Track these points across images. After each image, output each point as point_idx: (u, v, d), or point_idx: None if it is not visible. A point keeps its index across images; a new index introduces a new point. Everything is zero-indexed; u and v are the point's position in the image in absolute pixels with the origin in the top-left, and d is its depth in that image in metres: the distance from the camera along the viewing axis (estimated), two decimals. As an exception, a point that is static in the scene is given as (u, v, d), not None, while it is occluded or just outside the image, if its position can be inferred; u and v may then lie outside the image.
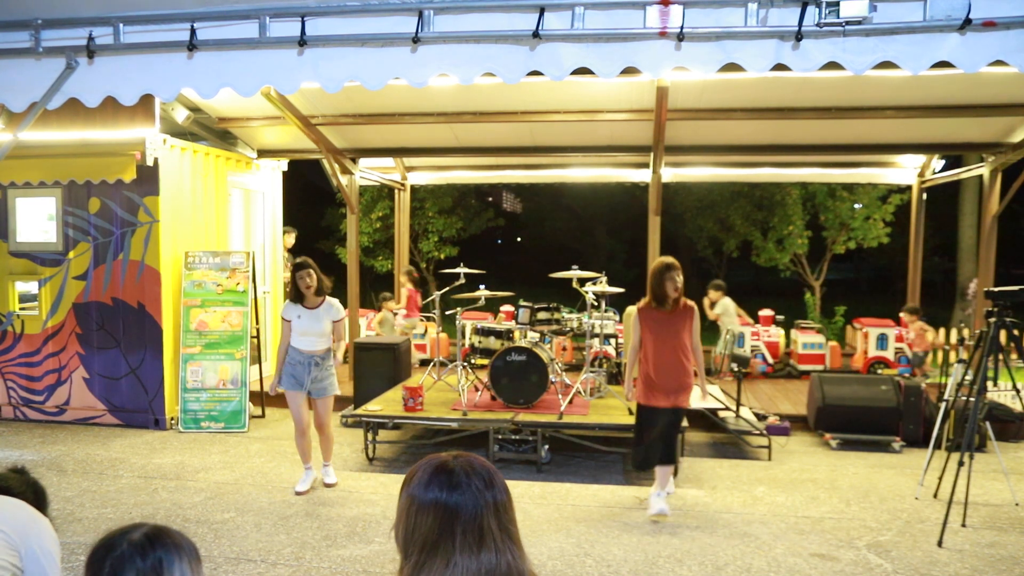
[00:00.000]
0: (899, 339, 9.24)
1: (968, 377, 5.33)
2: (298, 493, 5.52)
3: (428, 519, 1.42)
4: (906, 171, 9.90)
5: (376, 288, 17.28)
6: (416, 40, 3.53)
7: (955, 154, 10.56)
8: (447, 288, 7.85)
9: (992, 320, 4.97)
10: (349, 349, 8.89)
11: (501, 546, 1.42)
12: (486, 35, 3.54)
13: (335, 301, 5.59)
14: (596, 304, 7.12)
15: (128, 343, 7.57)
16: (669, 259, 5.08)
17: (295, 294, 5.49)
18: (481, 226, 18.43)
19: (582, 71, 3.53)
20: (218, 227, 8.33)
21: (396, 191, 11.35)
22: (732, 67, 3.42)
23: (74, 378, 7.71)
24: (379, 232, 15.44)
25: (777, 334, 9.82)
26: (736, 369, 7.27)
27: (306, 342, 5.49)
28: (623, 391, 6.68)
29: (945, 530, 4.68)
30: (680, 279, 5.02)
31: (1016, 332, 4.95)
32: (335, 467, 6.25)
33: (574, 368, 9.42)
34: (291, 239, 10.19)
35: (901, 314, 9.47)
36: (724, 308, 9.35)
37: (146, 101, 5.21)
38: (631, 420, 6.16)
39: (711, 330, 11.71)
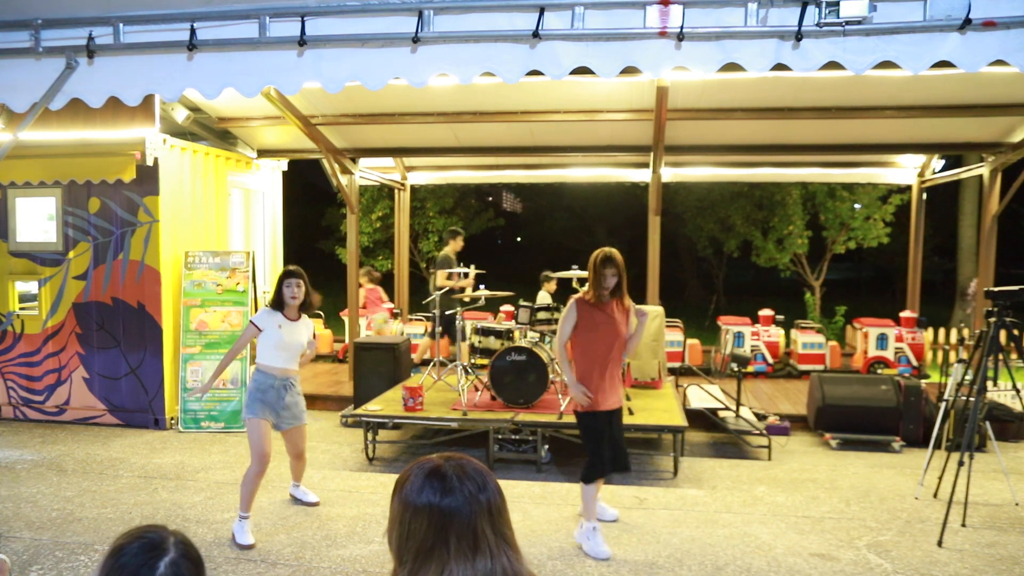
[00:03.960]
0: (899, 339, 9.24)
1: (968, 377, 5.33)
2: (247, 547, 4.59)
3: (422, 525, 1.39)
4: (906, 171, 9.90)
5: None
6: (416, 40, 3.53)
7: (955, 154, 10.57)
8: (447, 288, 7.85)
9: (992, 320, 4.97)
10: (349, 349, 8.89)
11: (496, 550, 1.40)
12: (486, 35, 3.54)
13: (306, 318, 5.05)
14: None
15: (128, 343, 7.57)
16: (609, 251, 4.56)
17: (277, 303, 4.88)
18: (481, 226, 18.41)
19: (582, 71, 3.53)
20: (218, 227, 8.33)
21: (396, 191, 11.35)
22: (732, 67, 3.42)
23: (74, 378, 7.71)
24: (379, 232, 15.44)
25: (777, 334, 9.82)
26: (736, 369, 7.27)
27: (283, 358, 4.85)
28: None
29: (945, 530, 4.68)
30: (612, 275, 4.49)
31: (1016, 332, 4.95)
32: (335, 468, 6.26)
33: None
34: (460, 243, 9.28)
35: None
36: None
37: (146, 101, 5.17)
38: (631, 420, 6.16)
39: (712, 330, 11.72)
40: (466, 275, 8.46)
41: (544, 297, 9.17)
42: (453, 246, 9.26)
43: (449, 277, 8.65)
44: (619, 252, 4.55)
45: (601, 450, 4.53)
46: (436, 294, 7.81)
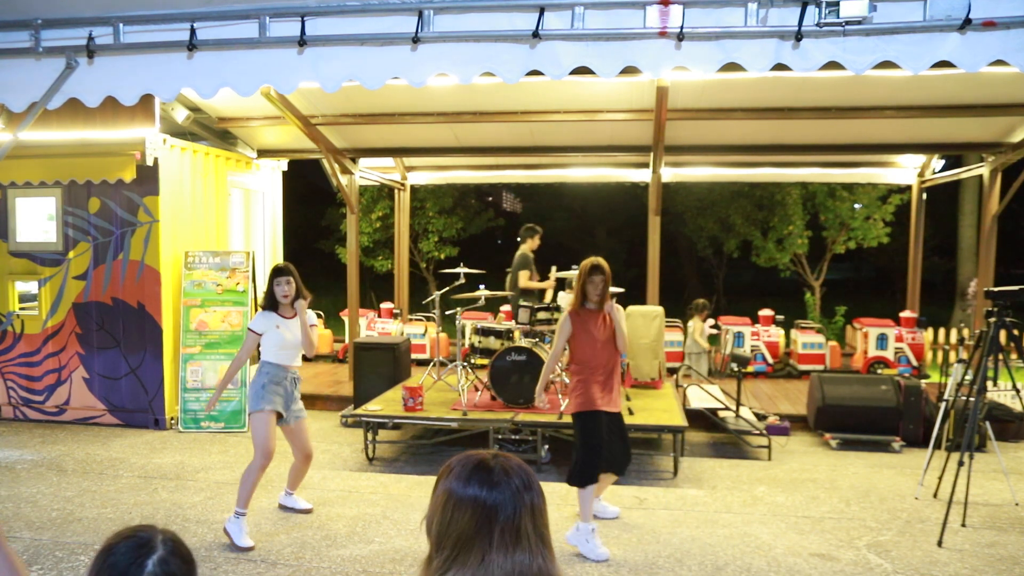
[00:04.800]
0: (899, 339, 9.24)
1: (968, 377, 5.33)
2: (247, 549, 4.55)
3: (465, 515, 1.42)
4: (906, 171, 9.90)
5: (376, 288, 17.32)
6: (416, 40, 3.53)
7: (955, 154, 10.56)
8: (447, 288, 7.85)
9: (992, 320, 4.97)
10: (349, 349, 8.88)
11: (535, 548, 1.43)
12: (486, 35, 3.54)
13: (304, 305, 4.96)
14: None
15: (128, 343, 7.57)
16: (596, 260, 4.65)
17: (270, 303, 4.86)
18: (481, 226, 18.40)
19: (582, 71, 3.53)
20: (218, 227, 8.33)
21: (396, 191, 11.35)
22: (732, 67, 3.42)
23: (74, 378, 7.71)
24: (379, 232, 15.44)
25: (777, 334, 9.82)
26: (736, 369, 7.27)
27: (288, 356, 4.85)
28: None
29: (945, 530, 4.68)
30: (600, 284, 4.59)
31: (1016, 332, 4.95)
32: (335, 468, 6.26)
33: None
34: (537, 241, 8.56)
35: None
36: None
37: (146, 101, 5.20)
38: (631, 420, 6.16)
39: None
40: (546, 277, 8.12)
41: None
42: (530, 244, 8.55)
43: (531, 278, 8.25)
44: (608, 257, 4.66)
45: (592, 453, 4.52)
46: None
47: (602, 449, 4.53)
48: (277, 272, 4.87)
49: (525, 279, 8.24)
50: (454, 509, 1.43)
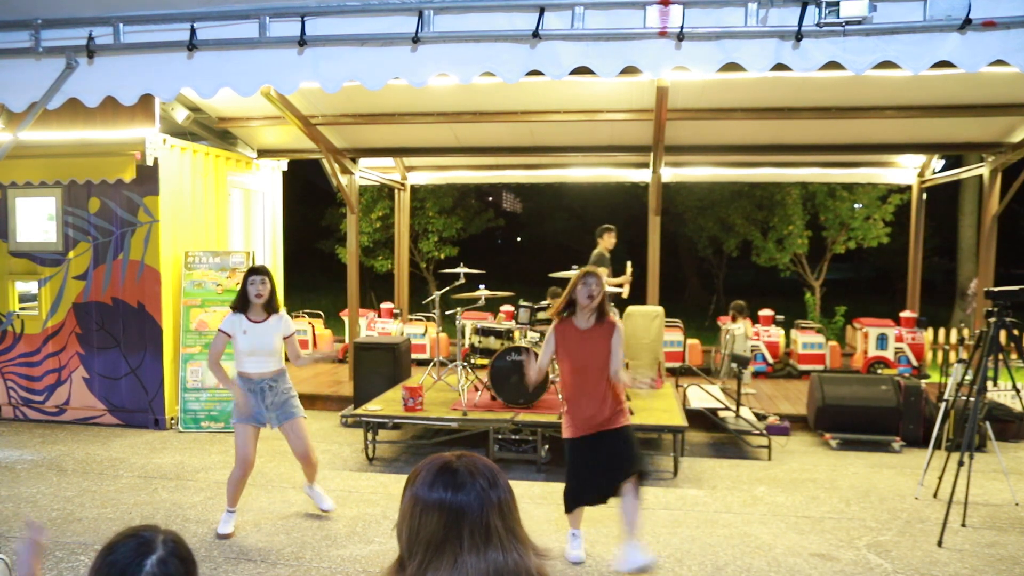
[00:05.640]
0: (899, 339, 9.24)
1: (968, 377, 5.33)
2: (223, 536, 4.70)
3: (433, 519, 1.41)
4: (906, 171, 9.90)
5: (376, 288, 17.32)
6: (416, 40, 3.53)
7: (955, 154, 10.56)
8: (447, 288, 7.85)
9: (992, 320, 4.97)
10: (349, 349, 8.88)
11: (507, 544, 1.42)
12: (486, 35, 3.54)
13: (283, 314, 4.89)
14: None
15: (128, 343, 7.56)
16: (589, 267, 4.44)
17: (241, 303, 4.73)
18: (481, 226, 18.41)
19: (582, 71, 3.53)
20: (218, 227, 8.33)
21: (396, 191, 11.35)
22: (732, 67, 3.42)
23: (74, 378, 7.70)
24: (379, 232, 15.44)
25: (777, 334, 9.82)
26: (736, 369, 7.27)
27: (254, 363, 4.73)
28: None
29: (945, 530, 4.68)
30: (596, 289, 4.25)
31: (1016, 332, 4.95)
32: (335, 468, 6.26)
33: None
34: (613, 239, 8.39)
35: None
36: None
37: (146, 101, 5.20)
38: (630, 420, 6.15)
39: (712, 330, 11.72)
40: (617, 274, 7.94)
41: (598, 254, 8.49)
42: (605, 243, 8.36)
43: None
44: (609, 257, 4.50)
45: (572, 480, 4.33)
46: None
47: (576, 480, 4.33)
48: (253, 272, 4.76)
49: (606, 277, 8.06)
50: (421, 514, 1.43)
